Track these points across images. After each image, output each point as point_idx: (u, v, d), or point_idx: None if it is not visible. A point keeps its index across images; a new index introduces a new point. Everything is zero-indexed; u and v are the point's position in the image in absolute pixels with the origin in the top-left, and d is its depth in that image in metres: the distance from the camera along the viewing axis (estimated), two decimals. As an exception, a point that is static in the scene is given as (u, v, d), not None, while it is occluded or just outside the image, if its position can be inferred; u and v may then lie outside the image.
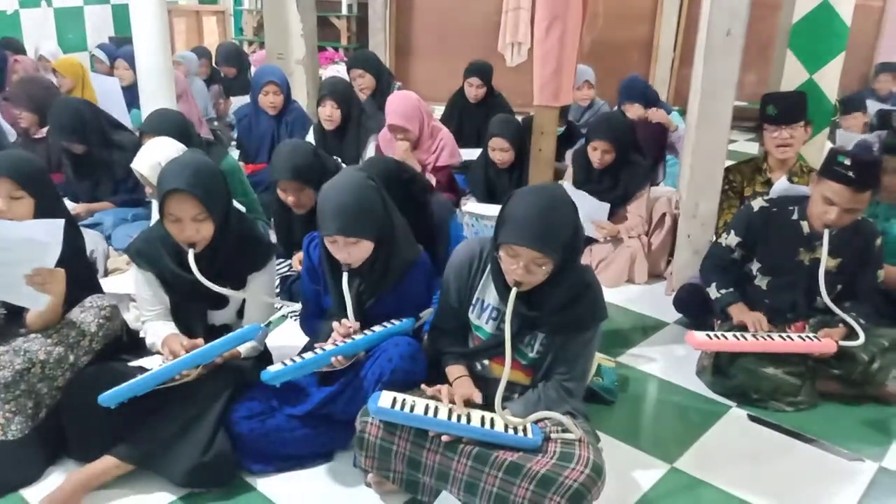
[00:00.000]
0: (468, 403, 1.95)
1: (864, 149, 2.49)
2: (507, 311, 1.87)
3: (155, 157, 2.64)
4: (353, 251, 2.07)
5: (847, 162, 2.40)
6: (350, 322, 2.10)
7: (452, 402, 1.94)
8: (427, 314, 2.25)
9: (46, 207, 2.17)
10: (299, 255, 3.10)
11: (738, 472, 2.24)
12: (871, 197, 2.51)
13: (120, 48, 5.29)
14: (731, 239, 2.75)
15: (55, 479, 2.05)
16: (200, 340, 2.11)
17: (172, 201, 2.08)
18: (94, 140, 3.54)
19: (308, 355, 2.02)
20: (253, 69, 5.67)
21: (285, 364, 1.98)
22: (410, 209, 2.72)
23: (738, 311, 2.66)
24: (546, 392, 2.02)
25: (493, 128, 3.75)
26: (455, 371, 2.08)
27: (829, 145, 3.84)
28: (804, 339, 2.53)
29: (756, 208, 2.71)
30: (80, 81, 4.93)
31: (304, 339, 2.42)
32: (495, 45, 7.35)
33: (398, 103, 3.77)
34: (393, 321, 2.14)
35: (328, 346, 2.04)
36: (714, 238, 3.30)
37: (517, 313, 1.90)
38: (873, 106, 4.74)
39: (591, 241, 3.61)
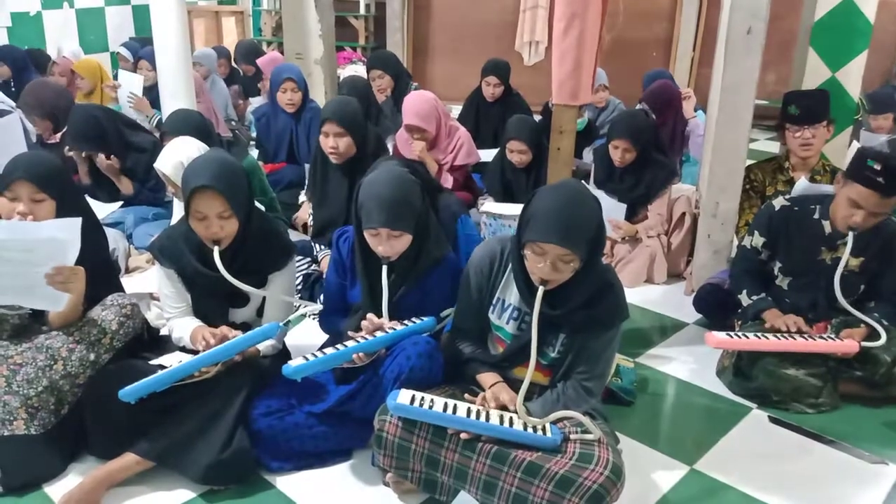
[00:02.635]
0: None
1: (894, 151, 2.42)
2: (534, 311, 1.86)
3: (177, 156, 2.66)
4: (395, 244, 2.08)
5: (877, 167, 2.35)
6: (383, 320, 2.10)
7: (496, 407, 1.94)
8: (449, 313, 2.25)
9: (68, 207, 2.19)
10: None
11: (759, 474, 2.22)
12: None
13: (142, 48, 5.35)
14: (757, 240, 2.72)
15: (76, 475, 2.07)
16: (236, 331, 2.13)
17: (198, 198, 2.09)
18: (113, 145, 3.58)
19: (329, 350, 2.03)
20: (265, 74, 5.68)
21: (307, 359, 1.99)
22: None
23: (772, 317, 2.63)
24: (565, 391, 2.01)
25: (510, 130, 3.74)
26: (489, 378, 2.06)
27: (855, 144, 3.79)
28: (826, 340, 2.50)
29: (777, 207, 2.68)
30: (98, 82, 4.98)
31: (323, 337, 2.43)
32: (513, 43, 7.37)
33: (415, 103, 3.77)
34: (415, 319, 2.14)
35: (349, 343, 2.05)
36: (734, 238, 3.28)
37: (539, 312, 1.89)
38: None
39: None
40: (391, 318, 2.12)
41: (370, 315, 2.10)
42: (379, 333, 2.07)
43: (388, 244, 2.07)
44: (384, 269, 2.09)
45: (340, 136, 3.09)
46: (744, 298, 2.74)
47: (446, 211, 2.89)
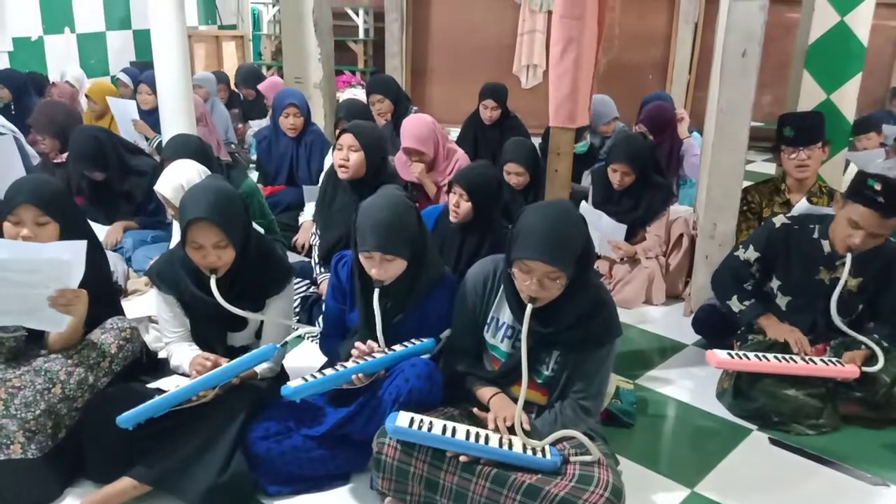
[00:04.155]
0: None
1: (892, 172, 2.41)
2: (523, 329, 1.87)
3: (177, 179, 2.67)
4: (389, 268, 2.09)
5: (877, 187, 2.36)
6: (377, 345, 2.10)
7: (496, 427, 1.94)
8: (447, 334, 2.25)
9: (71, 230, 2.19)
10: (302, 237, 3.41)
11: (760, 496, 2.21)
12: None
13: (142, 73, 5.40)
14: (750, 253, 2.72)
15: (72, 500, 2.05)
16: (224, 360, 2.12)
17: (195, 229, 2.10)
18: (113, 167, 3.59)
19: (328, 371, 2.03)
20: (267, 98, 5.74)
21: (305, 380, 1.99)
22: (495, 224, 2.87)
23: (770, 324, 2.64)
24: (563, 411, 2.01)
25: (507, 153, 3.77)
26: (488, 392, 2.07)
27: (853, 168, 3.81)
28: (826, 363, 2.50)
29: (778, 224, 2.69)
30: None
31: (321, 360, 2.42)
32: (511, 67, 7.43)
33: (413, 126, 3.80)
34: (414, 340, 2.14)
35: (349, 364, 2.05)
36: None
37: (532, 331, 1.90)
38: (889, 129, 4.70)
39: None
40: (388, 342, 2.12)
41: (358, 343, 2.10)
42: (378, 355, 2.07)
43: (382, 268, 2.08)
44: (376, 292, 2.10)
45: (354, 150, 3.09)
46: (734, 304, 2.73)
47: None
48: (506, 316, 2.09)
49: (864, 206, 2.40)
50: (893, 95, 6.00)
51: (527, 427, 1.93)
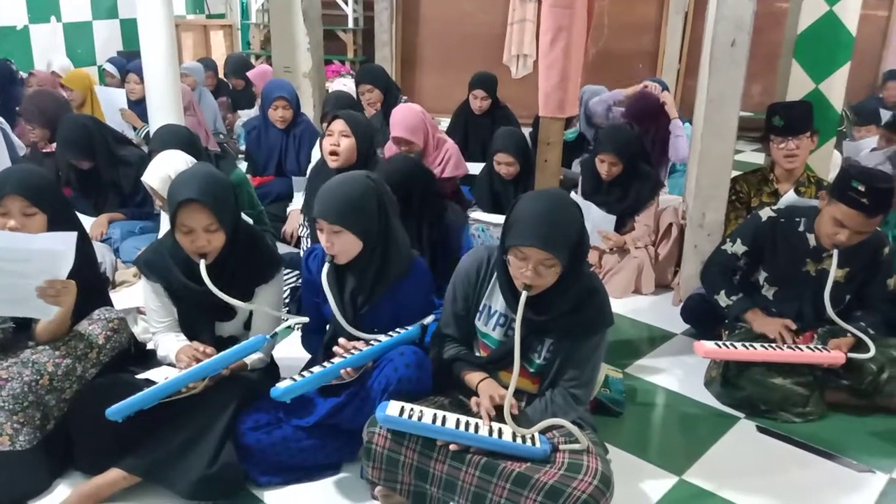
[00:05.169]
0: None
1: (876, 172, 2.39)
2: (518, 316, 1.88)
3: (165, 169, 2.65)
4: (336, 242, 2.08)
5: (861, 188, 2.36)
6: (356, 341, 2.09)
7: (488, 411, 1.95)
8: (430, 321, 2.25)
9: (59, 222, 2.17)
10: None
11: (747, 483, 2.23)
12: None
13: (129, 62, 5.35)
14: (738, 247, 2.74)
15: (62, 491, 2.05)
16: (212, 349, 2.12)
17: (184, 212, 2.08)
18: (100, 156, 3.57)
19: (317, 369, 2.02)
20: (256, 86, 5.70)
21: (294, 379, 1.98)
22: (428, 209, 2.76)
23: (756, 319, 2.66)
24: (553, 399, 2.02)
25: (497, 142, 3.77)
26: (476, 377, 2.08)
27: (837, 156, 3.82)
28: (813, 350, 2.52)
29: (764, 218, 2.70)
30: (89, 94, 4.97)
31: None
32: (501, 56, 7.40)
33: (402, 116, 3.78)
34: (398, 329, 2.14)
35: (336, 360, 2.04)
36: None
37: (524, 319, 1.90)
38: (882, 115, 4.72)
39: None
40: (358, 327, 2.12)
41: (342, 340, 2.09)
42: (363, 347, 2.07)
43: (330, 241, 2.08)
44: (325, 266, 2.09)
45: (346, 135, 3.06)
46: (722, 299, 2.75)
47: (459, 217, 2.94)
48: (498, 304, 2.09)
49: (849, 207, 2.41)
50: (885, 81, 6.02)
51: (515, 411, 1.94)
